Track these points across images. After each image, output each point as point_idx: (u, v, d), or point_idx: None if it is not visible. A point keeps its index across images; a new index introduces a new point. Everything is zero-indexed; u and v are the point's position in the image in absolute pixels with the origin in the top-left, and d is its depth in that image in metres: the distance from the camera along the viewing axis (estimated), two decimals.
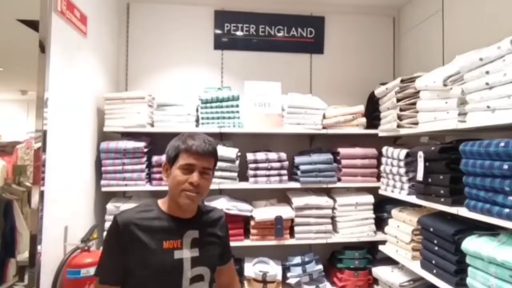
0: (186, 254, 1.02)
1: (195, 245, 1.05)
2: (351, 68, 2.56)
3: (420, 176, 1.57)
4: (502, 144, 1.11)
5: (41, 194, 1.43)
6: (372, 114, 2.26)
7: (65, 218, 1.61)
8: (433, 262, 1.52)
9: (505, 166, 1.09)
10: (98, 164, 1.96)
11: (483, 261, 1.21)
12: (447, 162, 1.41)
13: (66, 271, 1.49)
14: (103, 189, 1.95)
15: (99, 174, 1.96)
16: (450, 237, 1.38)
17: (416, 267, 1.65)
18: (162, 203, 1.08)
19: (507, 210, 1.10)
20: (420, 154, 1.57)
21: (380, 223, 2.21)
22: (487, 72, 1.19)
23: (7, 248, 4.30)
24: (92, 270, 1.46)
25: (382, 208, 2.23)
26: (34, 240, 1.43)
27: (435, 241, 1.50)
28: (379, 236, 2.18)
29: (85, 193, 1.86)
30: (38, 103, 1.49)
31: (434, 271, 1.50)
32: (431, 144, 1.60)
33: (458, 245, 1.34)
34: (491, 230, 1.27)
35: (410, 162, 1.76)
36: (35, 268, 1.40)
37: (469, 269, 1.29)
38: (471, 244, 1.26)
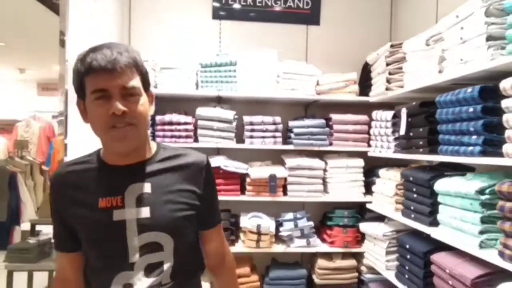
0: (129, 214, 0.80)
1: (144, 202, 0.81)
2: (347, 39, 2.69)
3: (402, 131, 1.76)
4: (469, 90, 1.29)
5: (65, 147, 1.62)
6: (366, 83, 2.43)
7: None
8: (412, 208, 1.72)
9: (471, 109, 1.28)
10: None
11: (451, 197, 1.40)
12: (426, 115, 1.60)
13: None
14: None
15: None
16: (426, 182, 1.58)
17: (398, 216, 1.85)
18: (102, 151, 0.86)
19: (470, 148, 1.29)
20: (404, 111, 1.76)
21: (370, 188, 2.39)
22: (462, 28, 1.36)
23: (12, 217, 4.56)
24: None
25: (373, 173, 2.42)
26: None
27: (414, 189, 1.70)
28: (368, 198, 2.38)
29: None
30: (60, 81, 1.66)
31: (412, 215, 1.70)
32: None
33: (432, 189, 1.53)
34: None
35: (396, 122, 1.94)
36: None
37: (440, 207, 1.49)
38: (442, 184, 1.45)
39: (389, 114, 2.00)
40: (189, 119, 2.25)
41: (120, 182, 0.81)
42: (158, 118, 2.19)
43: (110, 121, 0.76)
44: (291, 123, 2.37)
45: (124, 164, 0.82)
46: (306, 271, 2.38)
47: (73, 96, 1.90)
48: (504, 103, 1.14)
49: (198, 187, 0.86)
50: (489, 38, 1.23)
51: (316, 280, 2.38)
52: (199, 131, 2.25)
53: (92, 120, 0.79)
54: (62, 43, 1.72)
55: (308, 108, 2.65)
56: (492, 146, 1.23)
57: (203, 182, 0.88)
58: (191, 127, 2.26)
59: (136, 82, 0.79)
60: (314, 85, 2.37)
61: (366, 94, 2.37)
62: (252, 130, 2.29)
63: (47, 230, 3.32)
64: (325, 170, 2.38)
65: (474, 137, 1.28)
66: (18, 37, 4.76)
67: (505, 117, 1.14)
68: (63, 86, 1.67)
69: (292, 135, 2.34)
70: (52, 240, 3.16)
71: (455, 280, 1.36)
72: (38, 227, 3.31)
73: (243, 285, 2.23)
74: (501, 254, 1.15)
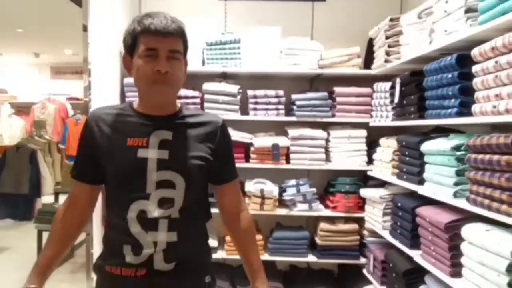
0: (152, 154, 0.97)
1: (164, 146, 0.98)
2: (353, 14, 2.81)
3: (397, 99, 1.98)
4: (449, 58, 1.50)
5: None
6: (370, 56, 2.61)
7: None
8: (404, 170, 1.95)
9: (449, 76, 1.49)
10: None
11: (434, 155, 1.64)
12: (416, 84, 1.81)
13: None
14: None
15: None
16: (415, 145, 1.80)
17: (394, 180, 2.09)
18: (136, 103, 1.05)
19: (449, 110, 1.51)
20: (397, 81, 1.97)
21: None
22: (446, 2, 1.56)
23: (34, 190, 5.04)
24: None
25: (376, 144, 2.64)
26: None
27: (406, 153, 1.93)
28: (371, 168, 2.60)
29: None
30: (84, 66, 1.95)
31: (405, 177, 1.94)
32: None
33: (421, 151, 1.76)
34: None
35: (393, 92, 2.15)
36: None
37: (426, 166, 1.72)
38: (428, 145, 1.68)
39: (387, 85, 2.21)
40: (196, 93, 2.52)
41: (147, 127, 0.99)
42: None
43: (153, 76, 0.93)
44: (294, 96, 2.60)
45: (155, 114, 1.00)
46: (308, 233, 2.65)
47: (97, 76, 2.19)
48: (474, 68, 1.35)
49: (212, 144, 1.02)
50: (468, 10, 1.43)
51: (318, 241, 2.64)
52: (206, 105, 2.51)
53: (137, 73, 0.96)
54: (85, 28, 2.00)
55: (312, 83, 2.86)
56: (467, 108, 1.44)
57: (217, 140, 1.04)
58: (198, 100, 2.53)
59: (180, 47, 0.97)
60: (317, 60, 2.57)
61: (371, 68, 2.55)
62: (256, 103, 2.55)
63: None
64: (327, 140, 2.61)
65: (452, 100, 1.50)
66: (33, 24, 5.11)
67: (474, 81, 1.36)
68: (87, 67, 1.95)
69: (294, 107, 2.57)
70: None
71: (433, 227, 1.61)
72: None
73: None
74: (468, 199, 1.39)
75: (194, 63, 2.51)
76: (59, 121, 6.59)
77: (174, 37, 0.94)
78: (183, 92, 2.49)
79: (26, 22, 5.06)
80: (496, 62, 1.23)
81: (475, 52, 1.34)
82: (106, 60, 2.30)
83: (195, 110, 1.10)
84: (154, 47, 0.93)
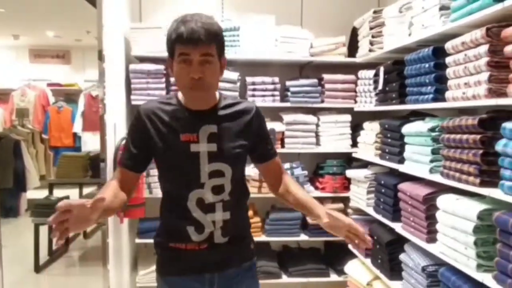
0: (202, 148, 1.09)
1: (212, 140, 1.10)
2: (339, 4, 2.99)
3: (380, 86, 2.19)
4: (426, 50, 1.71)
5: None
6: (354, 45, 2.80)
7: (113, 120, 2.26)
8: (386, 150, 2.18)
9: (426, 65, 1.71)
10: (128, 82, 2.56)
11: (412, 137, 1.86)
12: (398, 72, 2.02)
13: (119, 153, 2.16)
14: (133, 102, 2.56)
15: (128, 91, 2.57)
16: (396, 128, 2.02)
17: (377, 160, 2.32)
18: (181, 95, 1.14)
19: (426, 96, 1.73)
20: (381, 69, 2.18)
21: (357, 141, 2.83)
22: None
23: (19, 184, 4.92)
24: None
25: (360, 127, 2.86)
26: (103, 140, 2.07)
27: (388, 135, 2.16)
28: (355, 150, 2.83)
29: (121, 106, 2.49)
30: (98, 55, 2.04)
31: (387, 157, 2.17)
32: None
33: (401, 133, 1.98)
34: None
35: (376, 80, 2.36)
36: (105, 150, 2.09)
37: (405, 146, 1.95)
38: (407, 128, 1.91)
39: (371, 72, 2.41)
40: None
41: (196, 123, 1.10)
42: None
43: (189, 83, 1.03)
44: (288, 83, 2.79)
45: (199, 109, 1.12)
46: (300, 213, 2.87)
47: (110, 60, 2.26)
48: (447, 60, 1.57)
49: (251, 130, 1.16)
50: (442, 8, 1.63)
51: (309, 220, 2.88)
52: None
53: (176, 78, 1.07)
54: (99, 12, 2.04)
55: (303, 69, 3.04)
56: (442, 94, 1.66)
57: (254, 126, 1.17)
58: None
59: (212, 50, 1.03)
60: (308, 48, 2.75)
61: (355, 56, 2.76)
62: (254, 90, 2.71)
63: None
64: (317, 125, 2.82)
65: (429, 87, 1.72)
66: (15, 3, 4.97)
67: (447, 71, 1.57)
68: (101, 49, 2.04)
69: (289, 93, 2.76)
70: (60, 199, 3.63)
71: (413, 200, 1.84)
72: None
73: None
74: (442, 173, 1.62)
75: None
76: (39, 109, 6.38)
77: (205, 42, 1.01)
78: None
79: (8, 2, 4.92)
80: (465, 55, 1.45)
81: (448, 45, 1.55)
82: (113, 45, 2.38)
83: (232, 99, 1.19)
84: (186, 52, 1.02)
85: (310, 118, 2.78)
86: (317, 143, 2.85)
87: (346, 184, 2.85)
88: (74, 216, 0.87)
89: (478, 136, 1.37)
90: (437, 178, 1.67)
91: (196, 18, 1.02)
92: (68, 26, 5.98)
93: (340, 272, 2.79)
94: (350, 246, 2.72)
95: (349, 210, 2.85)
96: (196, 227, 1.13)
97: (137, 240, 2.65)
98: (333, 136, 2.84)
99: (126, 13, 2.62)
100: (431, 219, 1.72)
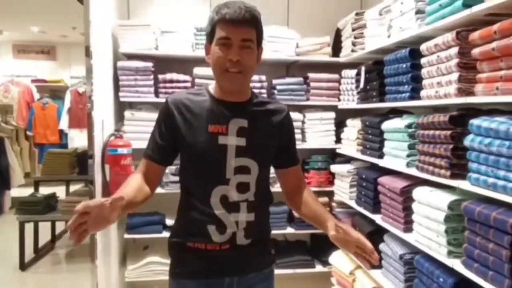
0: (231, 141, 1.04)
1: (242, 134, 1.06)
2: (324, 5, 3.07)
3: (362, 85, 2.29)
4: (403, 51, 1.82)
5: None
6: (338, 45, 2.91)
7: (101, 116, 2.30)
8: (367, 146, 2.29)
9: (404, 66, 1.81)
10: (116, 79, 2.59)
11: (391, 133, 1.97)
12: (378, 72, 2.12)
13: (107, 149, 2.18)
14: (121, 99, 2.60)
15: (117, 87, 2.61)
16: (376, 124, 2.13)
17: (358, 155, 2.43)
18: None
19: (403, 94, 1.84)
20: (363, 69, 2.28)
21: (341, 137, 2.93)
22: (402, 3, 1.86)
23: (2, 181, 4.85)
24: (125, 150, 2.16)
25: (343, 124, 2.97)
26: (91, 137, 2.11)
27: (369, 131, 2.27)
28: (339, 146, 2.94)
29: (109, 102, 2.52)
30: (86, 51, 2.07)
31: (368, 152, 2.28)
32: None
33: (381, 129, 2.09)
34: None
35: (358, 79, 2.47)
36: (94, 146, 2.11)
37: (385, 142, 2.06)
38: (387, 124, 2.02)
39: (353, 72, 2.52)
40: (187, 77, 2.70)
41: (226, 115, 1.06)
42: (161, 76, 2.63)
43: (226, 64, 1.00)
44: (275, 81, 2.87)
45: (230, 101, 1.08)
46: (287, 207, 2.97)
47: (98, 57, 2.31)
48: (422, 61, 1.68)
49: (281, 132, 1.13)
50: (418, 12, 1.74)
51: (295, 214, 2.98)
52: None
53: (212, 60, 1.03)
54: (86, 9, 2.06)
55: (289, 68, 3.13)
56: (418, 93, 1.77)
57: (285, 128, 1.14)
58: (189, 85, 2.72)
59: (252, 36, 1.02)
60: (294, 48, 2.84)
61: (339, 56, 2.86)
62: None
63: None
64: (303, 122, 2.92)
65: (406, 86, 1.83)
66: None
67: (422, 71, 1.68)
68: (88, 45, 2.05)
69: (275, 91, 2.84)
70: (58, 197, 3.64)
71: (391, 193, 1.96)
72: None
73: None
74: (417, 167, 1.73)
75: (184, 48, 2.65)
76: (24, 105, 6.31)
77: (247, 26, 1.00)
78: (175, 76, 2.66)
79: None
80: (438, 56, 1.56)
81: (422, 47, 1.66)
82: (101, 42, 2.40)
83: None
84: (227, 35, 1.00)
85: (296, 115, 2.88)
86: (303, 140, 2.94)
87: (331, 178, 2.95)
88: (93, 217, 0.83)
89: (449, 132, 1.48)
90: (413, 171, 1.78)
91: (239, 4, 1.02)
92: (53, 21, 5.92)
93: (325, 263, 2.90)
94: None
95: (334, 204, 2.96)
96: (217, 226, 1.07)
97: (126, 236, 2.69)
98: (318, 133, 2.94)
99: (114, 10, 2.65)
100: (407, 210, 1.83)
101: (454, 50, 1.45)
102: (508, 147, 1.18)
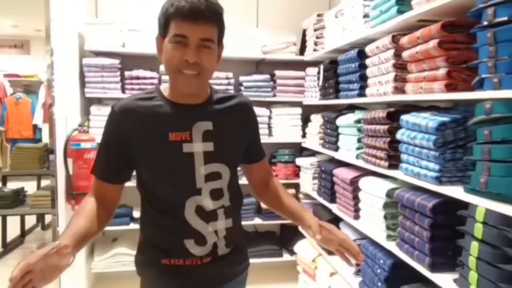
0: (197, 147, 0.94)
1: (208, 138, 0.96)
2: (293, 5, 3.19)
3: (321, 82, 2.44)
4: (352, 52, 1.97)
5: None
6: (304, 45, 3.04)
7: (65, 113, 2.35)
8: (326, 140, 2.44)
9: (353, 65, 1.96)
10: (82, 76, 2.65)
11: (344, 128, 2.13)
12: (334, 70, 2.27)
13: (70, 144, 2.26)
14: (87, 95, 2.68)
15: (82, 84, 2.67)
16: (332, 120, 2.28)
17: (320, 148, 2.58)
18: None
19: (353, 92, 1.99)
20: (322, 67, 2.43)
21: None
22: (352, 7, 2.01)
23: None
24: (88, 145, 2.24)
25: (309, 119, 3.11)
26: (52, 130, 2.17)
27: (328, 126, 2.42)
28: (305, 140, 3.09)
29: (75, 98, 2.58)
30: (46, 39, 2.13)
31: (327, 146, 2.43)
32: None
33: (337, 125, 2.24)
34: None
35: (319, 77, 2.61)
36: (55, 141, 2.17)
37: (340, 136, 2.21)
38: (340, 120, 2.17)
39: (315, 69, 2.66)
40: (154, 74, 2.79)
41: (187, 120, 0.95)
42: (127, 73, 2.71)
43: (181, 65, 0.88)
44: (242, 78, 2.99)
45: (189, 103, 0.96)
46: (255, 199, 3.10)
47: (62, 54, 2.38)
48: (367, 61, 1.83)
49: (246, 127, 1.05)
50: (365, 16, 1.88)
51: (263, 206, 3.13)
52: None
53: (165, 59, 0.90)
54: (47, 7, 2.12)
55: (258, 66, 3.25)
56: (365, 91, 1.92)
57: (250, 122, 1.06)
58: (156, 81, 2.80)
59: (213, 35, 0.89)
60: (262, 46, 2.96)
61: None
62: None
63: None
64: (270, 117, 3.05)
65: (355, 84, 1.98)
66: None
67: (367, 70, 1.83)
68: (49, 45, 2.12)
69: (242, 88, 2.96)
70: (27, 191, 3.67)
71: (343, 183, 2.11)
72: None
73: None
74: (363, 159, 1.89)
75: (151, 46, 2.70)
76: None
77: (208, 24, 0.88)
78: (141, 73, 2.74)
79: None
80: (379, 57, 1.71)
81: (367, 49, 1.81)
82: (66, 39, 2.46)
83: (223, 92, 1.07)
84: (184, 34, 0.87)
85: (263, 111, 3.00)
86: (270, 134, 3.08)
87: (297, 171, 3.11)
88: (38, 272, 0.72)
89: (386, 127, 1.64)
90: (361, 163, 1.93)
91: None
92: (27, 15, 5.85)
93: (292, 252, 3.06)
94: (300, 228, 3.00)
95: (300, 195, 3.12)
96: (196, 240, 0.98)
97: None
98: (285, 128, 3.08)
99: (81, 8, 2.71)
100: (356, 199, 1.99)
101: (391, 52, 1.61)
102: (428, 139, 1.34)
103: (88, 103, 2.76)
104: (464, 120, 1.30)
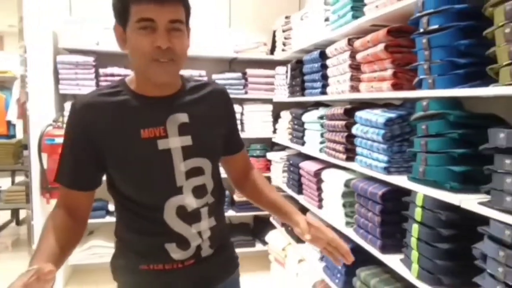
0: (174, 143, 0.85)
1: (185, 131, 0.86)
2: (264, 5, 3.28)
3: (288, 81, 2.53)
4: (315, 53, 2.07)
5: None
6: (275, 44, 3.13)
7: (39, 109, 2.34)
8: (294, 135, 2.55)
9: (316, 65, 2.07)
10: (56, 73, 2.64)
11: (309, 123, 2.23)
12: (300, 69, 2.37)
13: (45, 139, 2.26)
14: (61, 91, 2.67)
15: (57, 80, 2.66)
16: (299, 116, 2.39)
17: (289, 143, 2.68)
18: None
19: (316, 90, 2.10)
20: (289, 66, 2.52)
21: None
22: (315, 11, 2.10)
23: None
24: (62, 140, 2.24)
25: (279, 116, 3.21)
26: (26, 125, 2.17)
27: (295, 122, 2.52)
28: (275, 135, 3.18)
29: (49, 94, 2.56)
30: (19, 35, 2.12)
31: (294, 140, 2.54)
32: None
33: (303, 121, 2.34)
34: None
35: (287, 75, 2.71)
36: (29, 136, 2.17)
37: (305, 131, 2.32)
38: (306, 116, 2.27)
39: (284, 68, 2.75)
40: (129, 71, 2.80)
41: (160, 113, 0.85)
42: (102, 71, 2.72)
43: (153, 53, 0.77)
44: (214, 76, 3.05)
45: (160, 95, 0.86)
46: (228, 192, 3.18)
47: (36, 51, 2.36)
48: (328, 62, 1.93)
49: (224, 116, 0.96)
50: (326, 19, 1.99)
51: (236, 198, 3.21)
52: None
53: (133, 49, 0.80)
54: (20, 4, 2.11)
55: (231, 64, 3.32)
56: (326, 88, 2.03)
57: (227, 111, 0.97)
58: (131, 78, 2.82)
59: (182, 16, 0.80)
60: (234, 46, 3.03)
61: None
62: None
63: None
64: (242, 114, 3.13)
65: (318, 83, 2.08)
66: None
67: (328, 70, 1.94)
68: (22, 43, 2.11)
69: None
70: (1, 187, 3.61)
71: (309, 175, 2.22)
72: None
73: None
74: (325, 152, 2.00)
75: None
76: None
77: (174, 4, 0.78)
78: (116, 70, 2.75)
79: None
80: (337, 58, 1.82)
81: (327, 50, 1.91)
82: (39, 36, 2.44)
83: (195, 80, 0.96)
84: (150, 17, 0.77)
85: (236, 107, 3.04)
86: (242, 130, 3.16)
87: (269, 165, 3.20)
88: None
89: (344, 122, 1.75)
90: (324, 156, 2.04)
91: None
92: (0, 10, 5.67)
93: (265, 242, 3.15)
94: (271, 219, 3.10)
95: None
96: (178, 243, 0.89)
97: None
98: (257, 124, 3.17)
99: (53, 4, 2.68)
100: (320, 190, 2.11)
101: (347, 54, 1.72)
102: (377, 134, 1.45)
103: (62, 99, 2.76)
104: (409, 116, 1.42)
